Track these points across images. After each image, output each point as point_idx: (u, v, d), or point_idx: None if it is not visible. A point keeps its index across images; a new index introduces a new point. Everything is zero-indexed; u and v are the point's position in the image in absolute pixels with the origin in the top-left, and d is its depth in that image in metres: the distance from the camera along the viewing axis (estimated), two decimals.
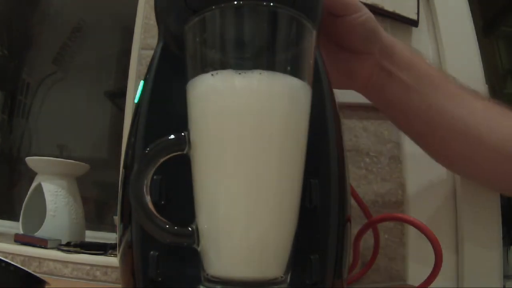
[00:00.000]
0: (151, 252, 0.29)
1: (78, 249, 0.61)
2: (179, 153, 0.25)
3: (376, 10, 0.67)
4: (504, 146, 0.43)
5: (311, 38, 0.26)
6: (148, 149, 0.24)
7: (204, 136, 0.24)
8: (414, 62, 0.45)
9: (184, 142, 0.25)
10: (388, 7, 0.68)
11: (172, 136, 0.25)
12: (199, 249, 0.25)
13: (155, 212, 0.24)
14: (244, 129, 0.23)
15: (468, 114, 0.44)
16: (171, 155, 0.25)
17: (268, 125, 0.23)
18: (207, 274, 0.25)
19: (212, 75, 0.23)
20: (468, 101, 0.45)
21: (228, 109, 0.23)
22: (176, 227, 0.25)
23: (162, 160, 0.25)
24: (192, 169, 0.25)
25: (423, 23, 0.72)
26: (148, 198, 0.24)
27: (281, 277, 0.25)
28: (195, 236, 0.25)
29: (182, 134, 0.25)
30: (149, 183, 0.24)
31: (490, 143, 0.43)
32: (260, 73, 0.23)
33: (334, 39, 0.43)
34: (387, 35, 0.44)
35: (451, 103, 0.44)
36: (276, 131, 0.24)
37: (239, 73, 0.23)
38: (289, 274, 0.25)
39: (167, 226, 0.25)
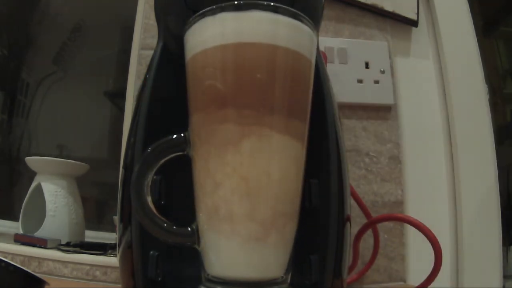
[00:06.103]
0: (151, 252, 0.29)
1: (77, 249, 0.61)
2: (179, 153, 0.25)
3: (376, 10, 0.67)
4: None
5: (312, 37, 0.25)
6: (149, 149, 0.24)
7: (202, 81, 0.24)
8: None
9: (184, 142, 0.25)
10: (388, 7, 0.68)
11: (172, 137, 0.25)
12: (199, 249, 0.25)
13: (155, 212, 0.24)
14: (245, 64, 0.22)
15: None
16: (172, 155, 0.25)
17: (271, 58, 0.23)
18: (208, 274, 0.25)
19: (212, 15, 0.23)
20: None
21: (228, 45, 0.23)
22: (176, 227, 0.25)
23: (163, 161, 0.25)
24: (193, 168, 0.25)
25: (423, 23, 0.72)
26: (149, 199, 0.24)
27: (282, 277, 0.25)
28: (195, 236, 0.25)
29: (182, 135, 0.25)
30: (149, 184, 0.24)
31: None
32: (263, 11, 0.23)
33: None
34: None
35: None
36: (280, 67, 0.23)
37: (240, 10, 0.23)
38: (290, 274, 0.25)
39: (168, 226, 0.25)
